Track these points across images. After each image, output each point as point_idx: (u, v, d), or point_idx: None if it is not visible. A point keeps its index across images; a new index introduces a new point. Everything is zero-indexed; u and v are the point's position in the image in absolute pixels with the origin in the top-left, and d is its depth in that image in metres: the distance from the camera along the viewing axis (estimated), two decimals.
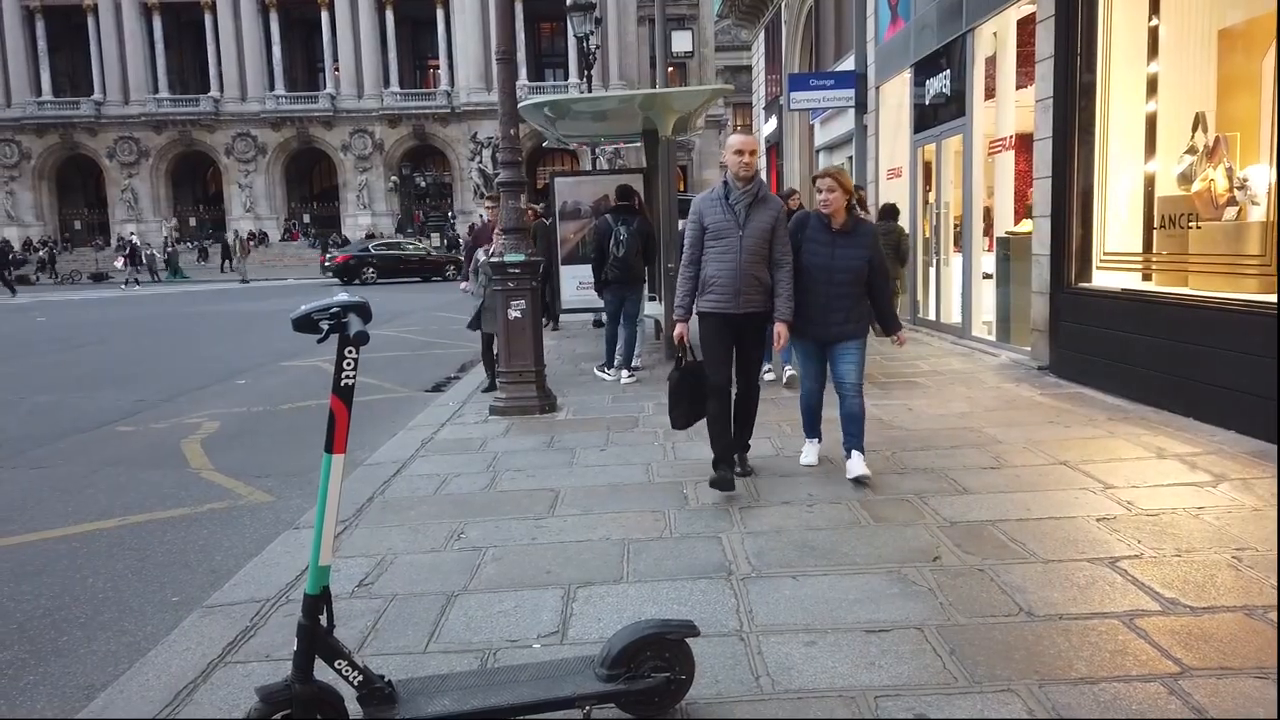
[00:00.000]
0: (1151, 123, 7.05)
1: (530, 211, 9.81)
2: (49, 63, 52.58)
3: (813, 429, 5.46)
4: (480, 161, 48.65)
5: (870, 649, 3.02)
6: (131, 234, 48.85)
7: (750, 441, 5.38)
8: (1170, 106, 6.87)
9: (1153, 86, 7.06)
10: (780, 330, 4.90)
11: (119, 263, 42.30)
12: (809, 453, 5.46)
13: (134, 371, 11.47)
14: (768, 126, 24.52)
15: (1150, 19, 7.06)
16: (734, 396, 5.06)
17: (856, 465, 4.98)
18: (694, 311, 4.97)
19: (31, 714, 3.12)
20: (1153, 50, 7.07)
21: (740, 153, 4.80)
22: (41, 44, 52.28)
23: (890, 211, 10.66)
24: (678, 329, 4.98)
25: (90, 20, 51.97)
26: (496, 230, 8.00)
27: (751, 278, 4.78)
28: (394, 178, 52.69)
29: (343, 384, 2.41)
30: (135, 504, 5.59)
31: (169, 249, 44.46)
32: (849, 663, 2.92)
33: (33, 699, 3.21)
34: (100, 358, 12.78)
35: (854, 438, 5.06)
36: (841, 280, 4.89)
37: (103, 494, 5.82)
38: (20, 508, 5.57)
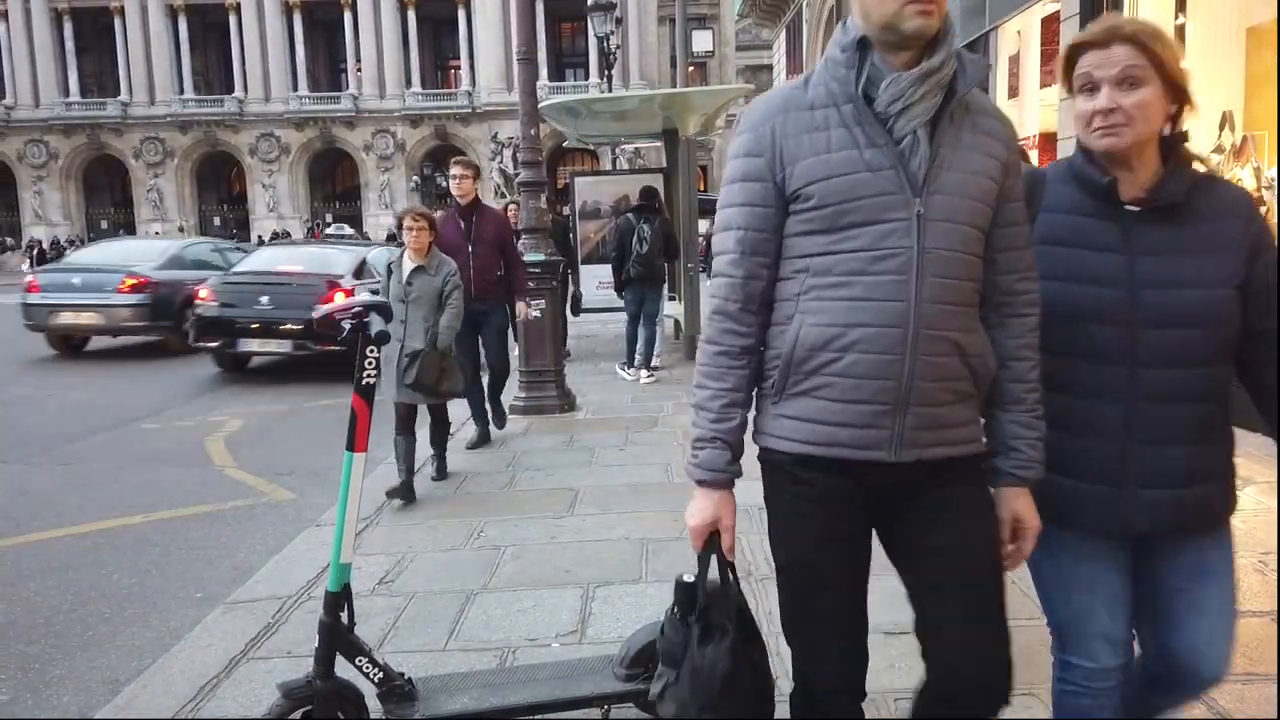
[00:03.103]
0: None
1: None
2: (76, 64, 53.23)
3: None
4: (501, 161, 48.80)
5: (890, 651, 3.00)
6: (157, 233, 49.38)
7: None
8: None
9: None
10: (1026, 518, 1.72)
11: (24, 265, 34.97)
12: None
13: (157, 369, 11.57)
14: None
15: (1177, 17, 6.99)
16: None
17: None
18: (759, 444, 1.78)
19: (58, 710, 3.16)
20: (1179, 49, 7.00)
21: None
22: (69, 45, 52.94)
23: None
24: (700, 505, 1.75)
25: (117, 22, 52.57)
26: (404, 221, 5.23)
27: (946, 345, 1.60)
28: (415, 177, 52.97)
29: (364, 383, 2.43)
30: (160, 501, 5.65)
31: None
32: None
33: (59, 693, 3.25)
34: (125, 355, 12.91)
35: None
36: (1165, 347, 1.74)
37: (128, 490, 5.89)
38: (48, 504, 5.63)
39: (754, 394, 1.73)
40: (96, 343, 13.01)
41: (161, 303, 11.82)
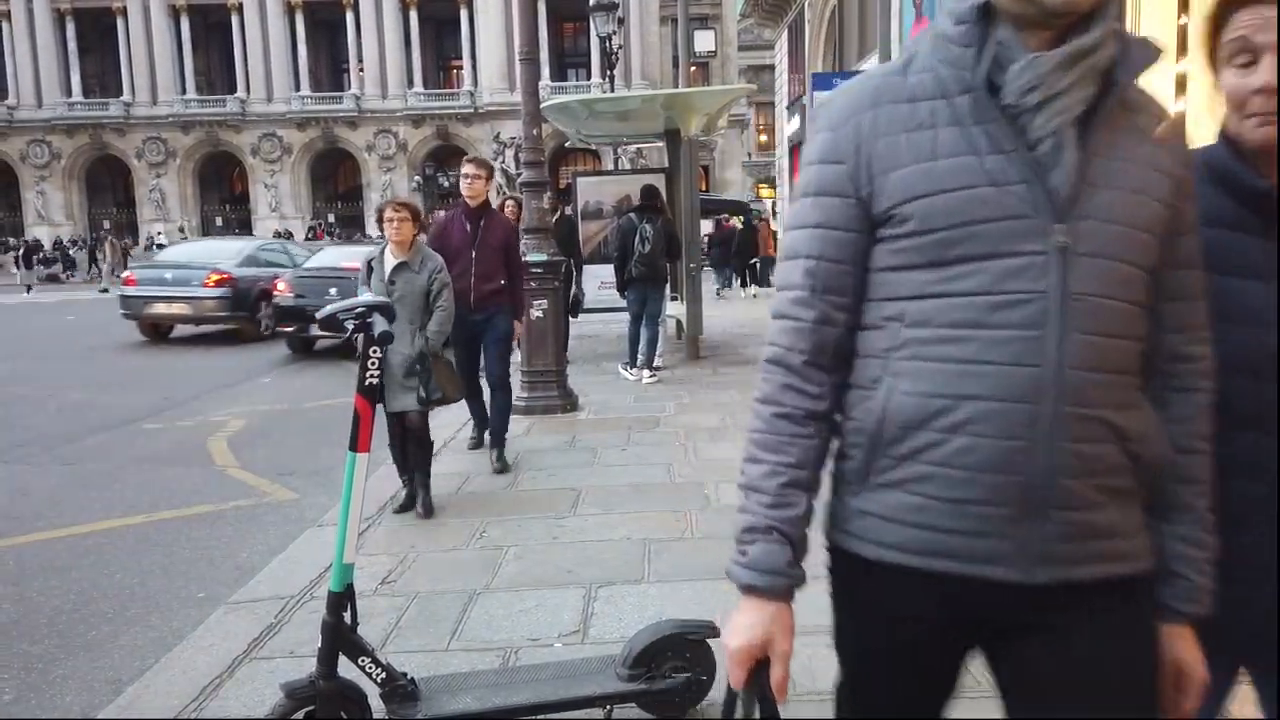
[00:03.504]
0: (1181, 122, 6.98)
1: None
2: (79, 64, 53.31)
3: None
4: (503, 162, 48.79)
5: None
6: (160, 233, 49.44)
7: None
8: (1201, 106, 6.79)
9: (1181, 86, 6.97)
10: (1191, 666, 1.22)
11: (14, 270, 32.77)
12: None
13: (159, 369, 11.60)
14: (790, 126, 24.47)
15: (1179, 17, 6.98)
16: None
17: None
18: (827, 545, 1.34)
19: (61, 710, 3.16)
20: (1182, 49, 6.97)
21: None
22: (72, 45, 53.01)
23: None
24: (747, 620, 1.21)
25: (119, 22, 52.63)
26: (385, 213, 4.85)
27: (1098, 429, 1.13)
28: (417, 178, 52.99)
29: (367, 383, 2.43)
30: (162, 501, 5.65)
31: None
32: None
33: (62, 693, 3.26)
34: (125, 356, 12.93)
35: None
36: None
37: (130, 490, 5.89)
38: (50, 504, 5.64)
39: (824, 473, 1.28)
40: (179, 330, 14.66)
41: (240, 295, 13.59)
